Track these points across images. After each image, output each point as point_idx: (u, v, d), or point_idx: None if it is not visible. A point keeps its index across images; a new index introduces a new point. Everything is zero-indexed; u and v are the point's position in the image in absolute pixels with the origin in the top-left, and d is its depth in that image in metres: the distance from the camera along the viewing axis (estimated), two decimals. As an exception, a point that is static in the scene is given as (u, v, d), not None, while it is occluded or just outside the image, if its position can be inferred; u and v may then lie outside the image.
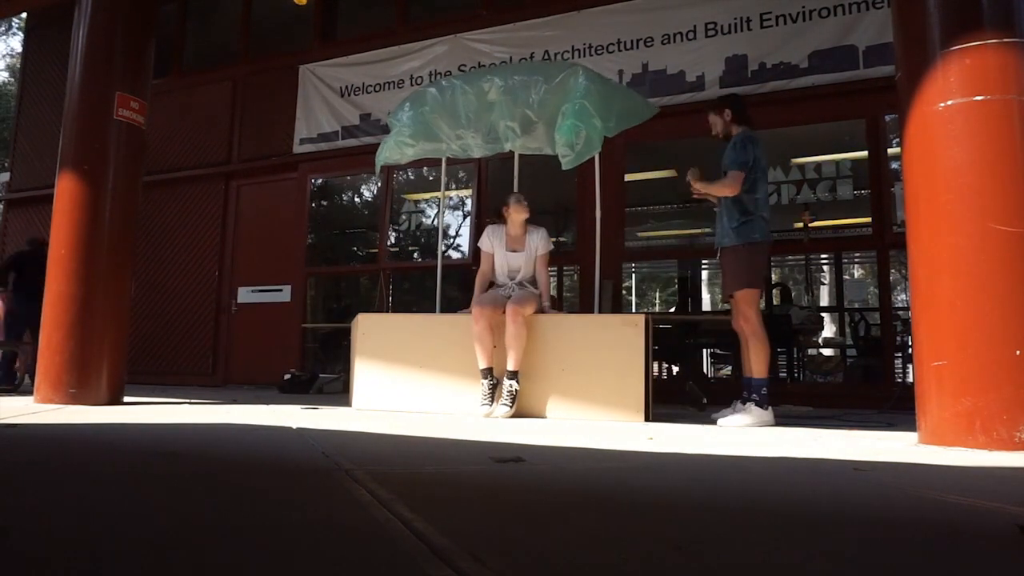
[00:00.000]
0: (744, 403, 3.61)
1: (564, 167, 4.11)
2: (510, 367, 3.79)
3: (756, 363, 3.61)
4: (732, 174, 3.66)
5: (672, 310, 14.59)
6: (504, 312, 3.94)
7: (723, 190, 3.70)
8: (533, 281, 4.23)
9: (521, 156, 4.77)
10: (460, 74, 4.73)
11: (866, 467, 2.00)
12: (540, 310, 4.05)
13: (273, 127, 7.67)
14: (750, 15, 5.71)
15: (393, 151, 4.67)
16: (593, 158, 4.43)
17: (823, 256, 12.14)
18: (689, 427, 3.36)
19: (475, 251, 6.23)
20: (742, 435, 2.95)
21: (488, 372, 3.87)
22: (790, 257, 12.83)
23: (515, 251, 4.21)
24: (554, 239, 4.43)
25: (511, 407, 3.73)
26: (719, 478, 1.86)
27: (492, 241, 4.25)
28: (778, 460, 2.17)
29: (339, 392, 6.11)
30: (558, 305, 4.30)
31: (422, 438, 2.72)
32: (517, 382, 3.78)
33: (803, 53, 5.50)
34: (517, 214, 4.20)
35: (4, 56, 22.72)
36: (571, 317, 4.31)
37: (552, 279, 8.93)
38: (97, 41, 4.46)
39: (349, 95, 7.27)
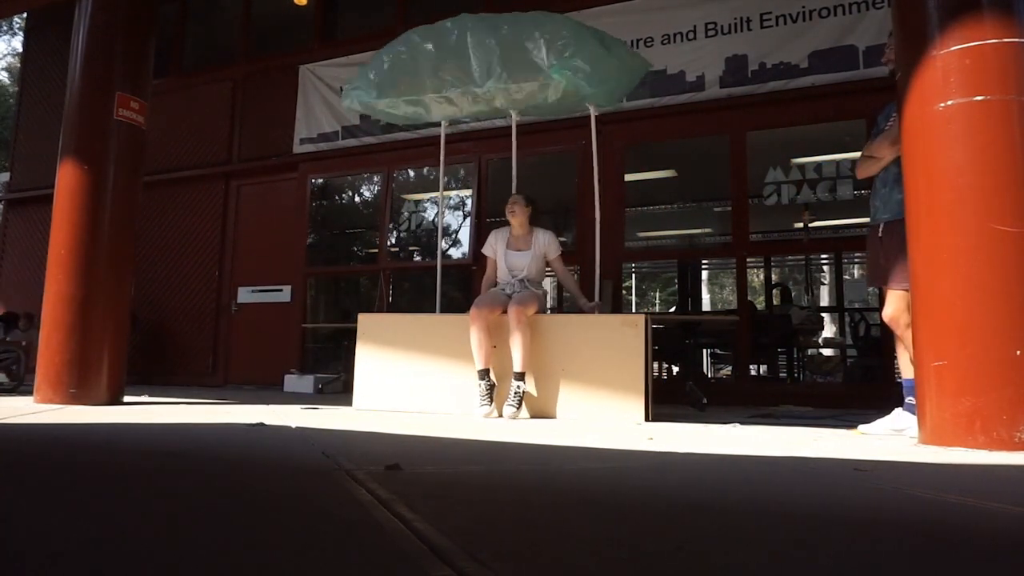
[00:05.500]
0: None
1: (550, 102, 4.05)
2: (516, 368, 3.78)
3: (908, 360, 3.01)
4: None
5: (672, 310, 14.60)
6: (502, 312, 3.94)
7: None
8: (536, 281, 4.20)
9: (520, 157, 4.75)
10: (440, 23, 4.30)
11: (866, 467, 2.00)
12: (543, 310, 4.05)
13: (273, 127, 7.66)
14: (750, 15, 5.71)
15: (363, 96, 4.38)
16: (592, 158, 4.43)
17: (823, 256, 12.16)
18: (689, 427, 3.36)
19: (475, 251, 6.24)
20: (742, 435, 2.95)
21: (485, 373, 3.86)
22: (790, 257, 12.84)
23: (519, 251, 4.18)
24: (554, 240, 4.38)
25: (517, 408, 3.73)
26: (719, 478, 1.86)
27: (496, 245, 4.23)
28: (778, 460, 2.18)
29: (339, 392, 6.12)
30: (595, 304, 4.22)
31: (422, 438, 2.72)
32: (524, 383, 3.78)
33: (803, 53, 5.50)
34: (512, 214, 4.18)
35: (4, 56, 22.72)
36: (571, 317, 4.31)
37: (551, 278, 8.93)
38: (97, 41, 4.46)
39: (349, 95, 7.26)
